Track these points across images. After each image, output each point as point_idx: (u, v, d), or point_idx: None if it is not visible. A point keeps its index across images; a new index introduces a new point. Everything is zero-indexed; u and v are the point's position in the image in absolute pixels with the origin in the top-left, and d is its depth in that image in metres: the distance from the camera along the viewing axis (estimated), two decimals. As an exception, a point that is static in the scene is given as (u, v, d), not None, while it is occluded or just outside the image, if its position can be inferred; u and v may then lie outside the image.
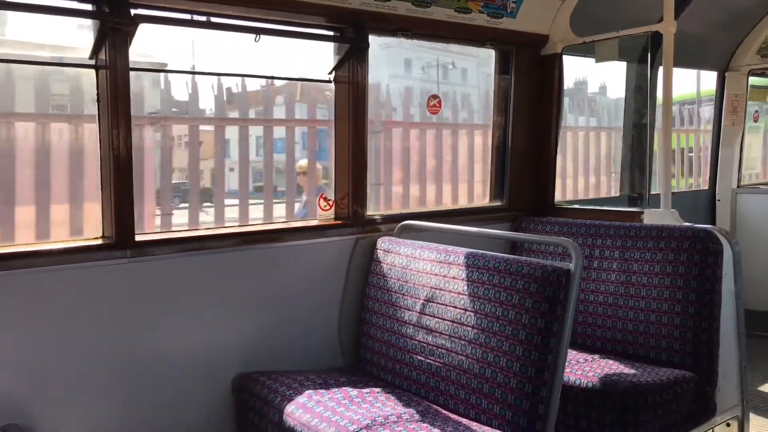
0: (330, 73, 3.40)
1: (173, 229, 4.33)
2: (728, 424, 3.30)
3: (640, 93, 5.05)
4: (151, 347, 2.82)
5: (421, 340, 2.90)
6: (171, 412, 2.87)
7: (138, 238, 2.80)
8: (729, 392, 3.26)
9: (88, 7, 2.65)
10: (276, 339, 3.16)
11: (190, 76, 5.34)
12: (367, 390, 2.83)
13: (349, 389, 2.82)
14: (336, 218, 3.46)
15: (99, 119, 2.74)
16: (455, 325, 2.76)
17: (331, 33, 3.35)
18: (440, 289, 2.88)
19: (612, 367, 3.08)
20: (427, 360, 2.85)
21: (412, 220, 3.47)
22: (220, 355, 2.99)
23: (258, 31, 3.00)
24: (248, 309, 3.09)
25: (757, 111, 6.50)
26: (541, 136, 4.25)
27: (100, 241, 2.76)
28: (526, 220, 4.04)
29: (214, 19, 2.93)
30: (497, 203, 4.26)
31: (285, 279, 3.19)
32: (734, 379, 3.29)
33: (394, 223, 3.48)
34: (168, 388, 2.86)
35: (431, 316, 2.89)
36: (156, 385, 2.83)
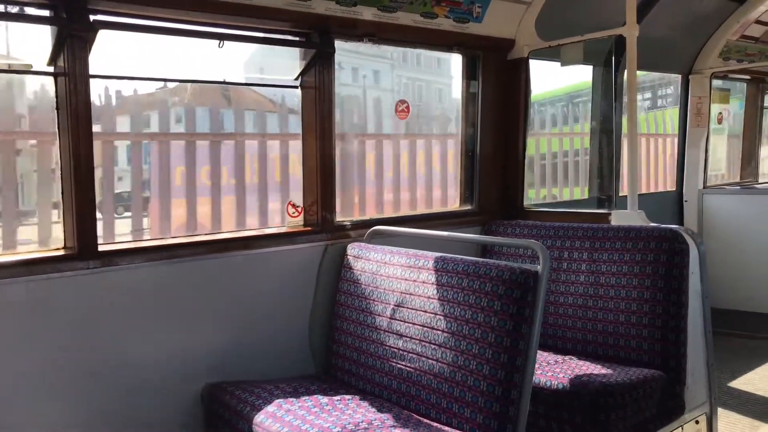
0: (296, 78, 3.38)
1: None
2: (697, 422, 3.33)
3: (606, 96, 5.11)
4: (117, 358, 2.77)
5: (392, 345, 2.89)
6: (138, 423, 2.81)
7: (102, 248, 2.75)
8: (697, 390, 3.29)
9: (46, 13, 2.60)
10: (246, 348, 3.12)
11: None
12: (338, 397, 2.80)
13: (319, 397, 2.79)
14: (305, 225, 3.43)
15: (59, 127, 2.69)
16: (425, 329, 2.75)
17: (296, 38, 3.34)
18: (410, 294, 2.86)
19: (582, 367, 3.09)
20: (398, 365, 2.84)
21: (382, 225, 3.46)
22: (189, 365, 2.95)
23: (222, 37, 2.96)
24: (217, 318, 3.04)
25: (720, 113, 6.62)
26: (509, 139, 4.27)
27: (61, 252, 2.69)
28: (496, 223, 4.06)
29: (176, 26, 2.90)
30: (467, 207, 4.27)
31: (254, 287, 3.15)
32: (702, 376, 3.33)
33: (364, 229, 3.46)
34: (135, 399, 2.80)
35: (402, 321, 2.87)
36: (123, 396, 2.77)
